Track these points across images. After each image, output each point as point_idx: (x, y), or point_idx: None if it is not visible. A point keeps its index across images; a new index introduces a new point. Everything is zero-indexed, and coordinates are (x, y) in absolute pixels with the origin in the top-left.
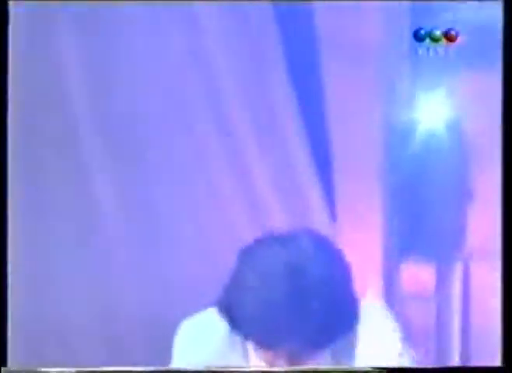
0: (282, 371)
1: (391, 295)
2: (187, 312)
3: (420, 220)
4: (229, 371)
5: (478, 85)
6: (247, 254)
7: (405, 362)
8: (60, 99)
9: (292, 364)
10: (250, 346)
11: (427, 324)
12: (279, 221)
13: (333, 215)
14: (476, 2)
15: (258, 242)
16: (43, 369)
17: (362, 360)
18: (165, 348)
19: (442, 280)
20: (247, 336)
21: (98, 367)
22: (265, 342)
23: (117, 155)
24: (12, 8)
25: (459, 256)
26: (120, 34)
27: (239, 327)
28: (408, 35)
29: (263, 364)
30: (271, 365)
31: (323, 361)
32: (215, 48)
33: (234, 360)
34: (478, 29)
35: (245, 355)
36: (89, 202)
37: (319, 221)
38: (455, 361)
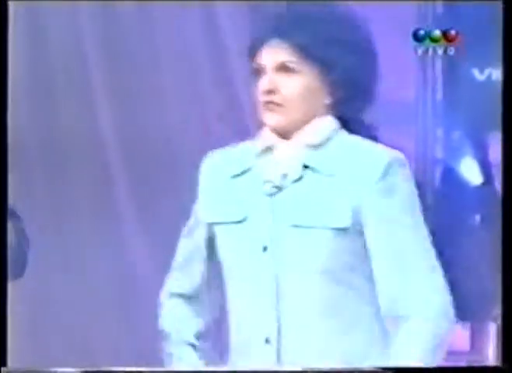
0: (284, 371)
1: None
2: None
3: None
4: (228, 371)
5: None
6: None
7: None
8: (59, 98)
9: None
10: None
11: None
12: None
13: None
14: (476, 2)
15: None
16: (43, 369)
17: None
18: None
19: None
20: None
21: (100, 367)
22: None
23: None
24: (12, 8)
25: None
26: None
27: None
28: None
29: None
30: None
31: None
32: None
33: None
34: (478, 29)
35: None
36: None
37: None
38: None
